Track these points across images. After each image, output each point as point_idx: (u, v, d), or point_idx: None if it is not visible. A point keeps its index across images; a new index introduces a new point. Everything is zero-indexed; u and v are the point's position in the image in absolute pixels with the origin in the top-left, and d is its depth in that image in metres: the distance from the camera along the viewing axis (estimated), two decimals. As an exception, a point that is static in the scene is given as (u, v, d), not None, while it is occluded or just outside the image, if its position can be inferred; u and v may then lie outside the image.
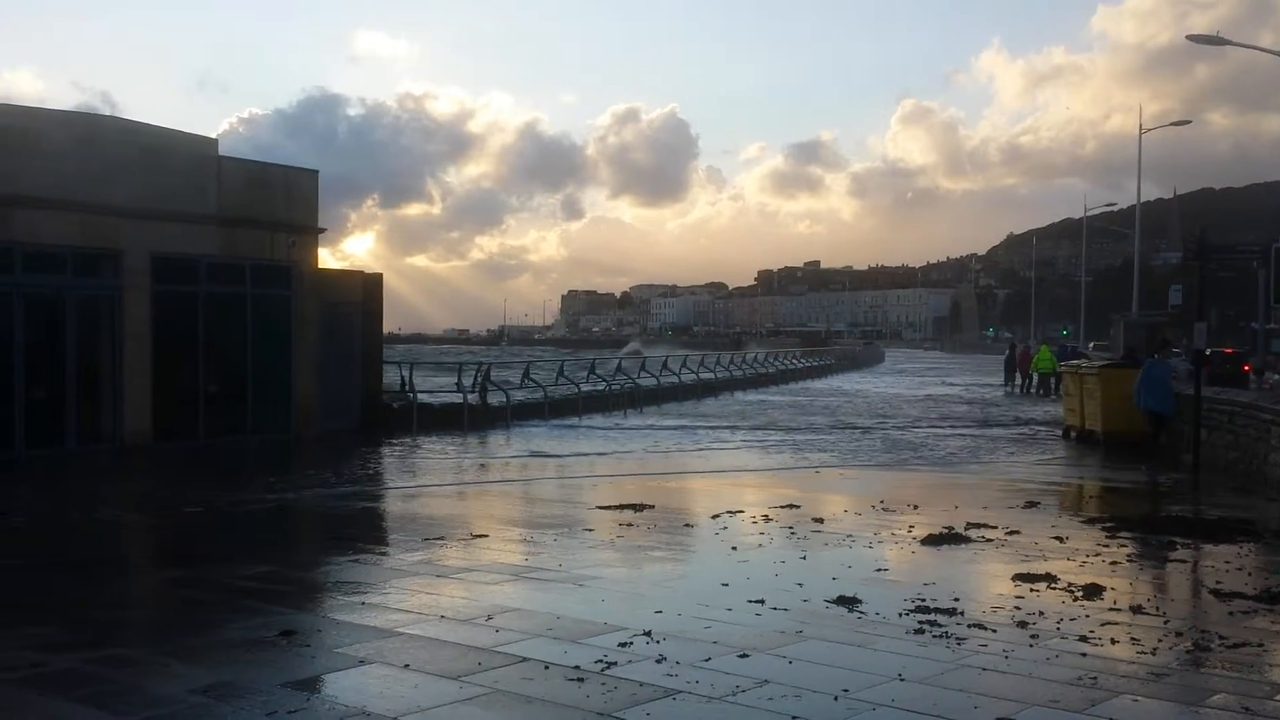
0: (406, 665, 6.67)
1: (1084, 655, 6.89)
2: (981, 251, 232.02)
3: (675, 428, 26.57)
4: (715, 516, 12.56)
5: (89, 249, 19.09)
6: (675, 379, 38.23)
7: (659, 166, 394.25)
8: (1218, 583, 9.11)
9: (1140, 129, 49.76)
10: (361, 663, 6.75)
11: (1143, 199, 53.46)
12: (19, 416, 17.99)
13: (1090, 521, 12.42)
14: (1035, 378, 41.02)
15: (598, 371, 34.40)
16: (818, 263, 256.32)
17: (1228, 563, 10.03)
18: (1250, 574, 9.57)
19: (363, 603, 8.37)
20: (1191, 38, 32.79)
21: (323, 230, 23.03)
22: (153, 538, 12.53)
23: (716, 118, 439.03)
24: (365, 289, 24.55)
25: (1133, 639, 7.30)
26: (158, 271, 19.84)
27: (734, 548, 10.68)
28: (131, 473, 17.62)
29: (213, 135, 22.33)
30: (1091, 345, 56.21)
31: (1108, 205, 74.76)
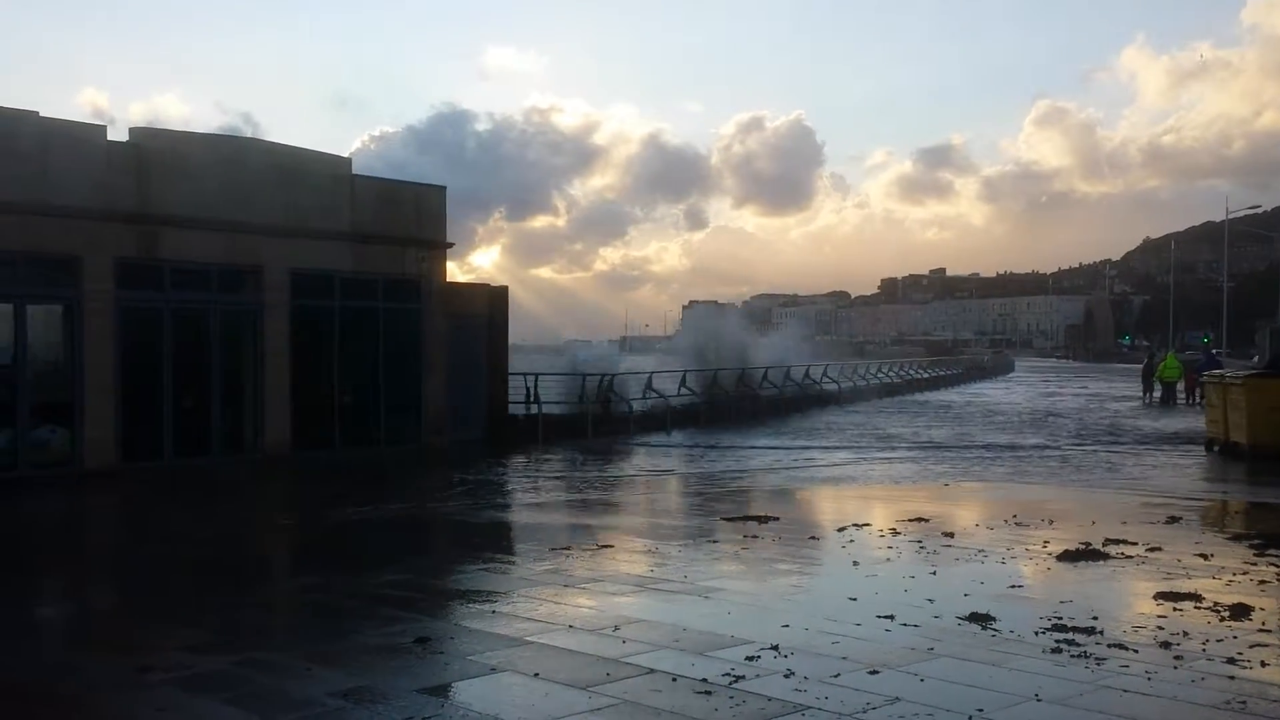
0: (536, 674, 6.76)
1: (1232, 678, 6.61)
2: (1116, 257, 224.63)
3: (792, 446, 26.35)
4: (841, 529, 12.41)
5: (232, 266, 19.87)
6: (798, 389, 37.93)
7: (783, 174, 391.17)
8: (1377, 604, 8.65)
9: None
10: (493, 670, 6.86)
11: (1291, 200, 51.03)
12: (168, 427, 18.81)
13: (1236, 538, 11.91)
14: (1160, 387, 39.51)
15: (720, 382, 34.33)
16: (943, 270, 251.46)
17: (1388, 583, 9.51)
18: None
19: (493, 611, 8.52)
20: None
21: (450, 245, 23.54)
22: (292, 545, 12.95)
23: (843, 124, 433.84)
24: (491, 301, 24.99)
25: (1285, 662, 6.98)
26: (295, 287, 20.52)
27: (861, 561, 10.55)
28: (272, 482, 18.24)
29: (349, 152, 23.05)
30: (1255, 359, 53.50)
31: (1252, 207, 71.82)
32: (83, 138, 18.14)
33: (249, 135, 25.52)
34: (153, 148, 19.06)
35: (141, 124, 31.10)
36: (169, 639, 7.74)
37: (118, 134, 19.20)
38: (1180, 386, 39.23)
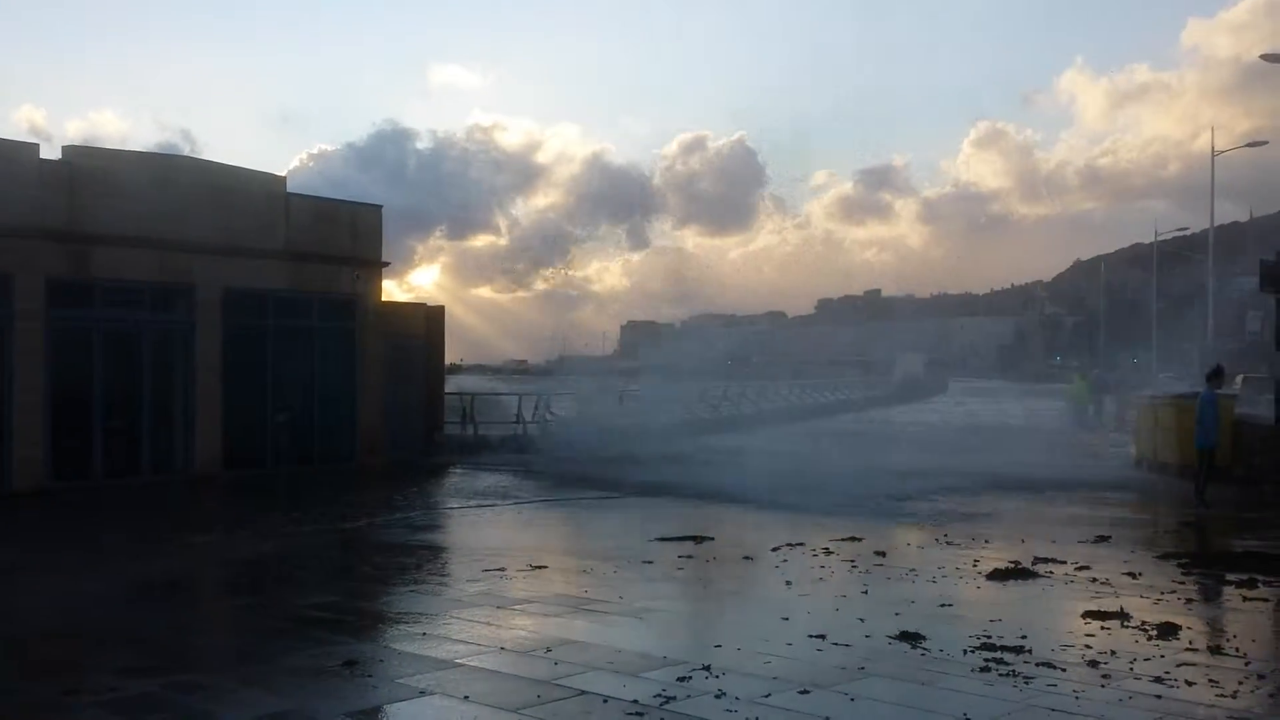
0: (466, 697, 6.68)
1: (1159, 697, 6.71)
2: (1048, 278, 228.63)
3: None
4: (775, 549, 12.45)
5: (164, 284, 19.58)
6: (735, 410, 38.11)
7: (725, 195, 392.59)
8: (1300, 622, 8.83)
9: (1213, 151, 48.92)
10: (422, 694, 6.78)
11: (1222, 221, 52.40)
12: (98, 446, 18.48)
13: (1164, 557, 12.10)
14: (1072, 407, 40.41)
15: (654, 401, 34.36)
16: (879, 290, 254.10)
17: (1310, 601, 9.70)
18: (1333, 613, 9.25)
19: (423, 633, 8.42)
20: (1266, 57, 32.20)
21: (386, 264, 23.38)
22: (222, 566, 12.71)
23: (785, 145, 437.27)
24: (427, 321, 24.84)
25: (1211, 680, 7.08)
26: (228, 306, 20.27)
27: (794, 581, 10.57)
28: (202, 502, 17.92)
29: (287, 170, 22.86)
30: (1161, 376, 54.80)
31: (1179, 230, 73.27)
32: (14, 156, 17.83)
33: (188, 152, 25.22)
34: (85, 166, 18.78)
35: (79, 141, 30.60)
36: (96, 662, 7.58)
37: (51, 151, 18.94)
38: (1089, 407, 40.28)
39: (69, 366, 18.26)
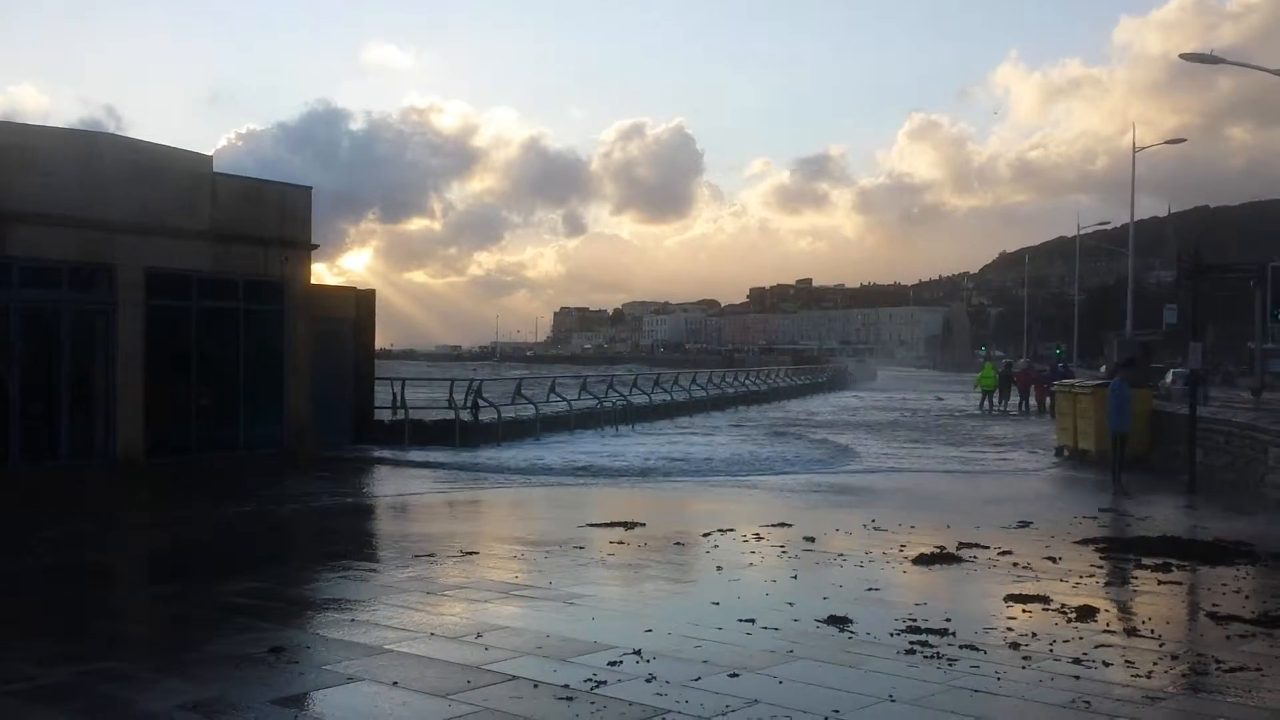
0: (395, 683, 6.64)
1: (1077, 678, 6.87)
2: (974, 270, 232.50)
3: (665, 445, 26.54)
4: (706, 535, 12.53)
5: (84, 264, 19.08)
6: (667, 396, 38.21)
7: (662, 182, 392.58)
8: (1214, 605, 9.07)
9: (1134, 147, 50.03)
10: (350, 680, 6.72)
11: (1142, 216, 53.69)
12: (14, 430, 17.96)
13: (1084, 542, 12.39)
14: (997, 395, 42.24)
15: (590, 389, 34.35)
16: (810, 280, 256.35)
17: (1224, 585, 9.98)
18: (1248, 597, 9.51)
19: (352, 619, 8.34)
20: (1185, 56, 32.86)
21: (316, 246, 23.02)
22: (143, 553, 12.48)
23: (723, 133, 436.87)
24: (358, 305, 24.54)
25: (1127, 662, 7.27)
26: (151, 286, 19.80)
27: (724, 566, 10.65)
28: (122, 488, 17.55)
29: (215, 150, 22.39)
30: (1103, 368, 55.95)
31: (1100, 224, 74.82)
32: (-76, 129, 17.21)
33: (113, 130, 24.61)
34: (2, 142, 18.22)
35: (-12, 113, 29.68)
36: (11, 651, 7.39)
37: (-37, 125, 18.31)
38: (995, 396, 42.18)
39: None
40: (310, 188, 23.38)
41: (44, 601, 9.34)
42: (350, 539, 13.15)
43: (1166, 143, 51.70)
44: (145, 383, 19.62)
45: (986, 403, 41.86)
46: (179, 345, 20.30)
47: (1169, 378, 36.01)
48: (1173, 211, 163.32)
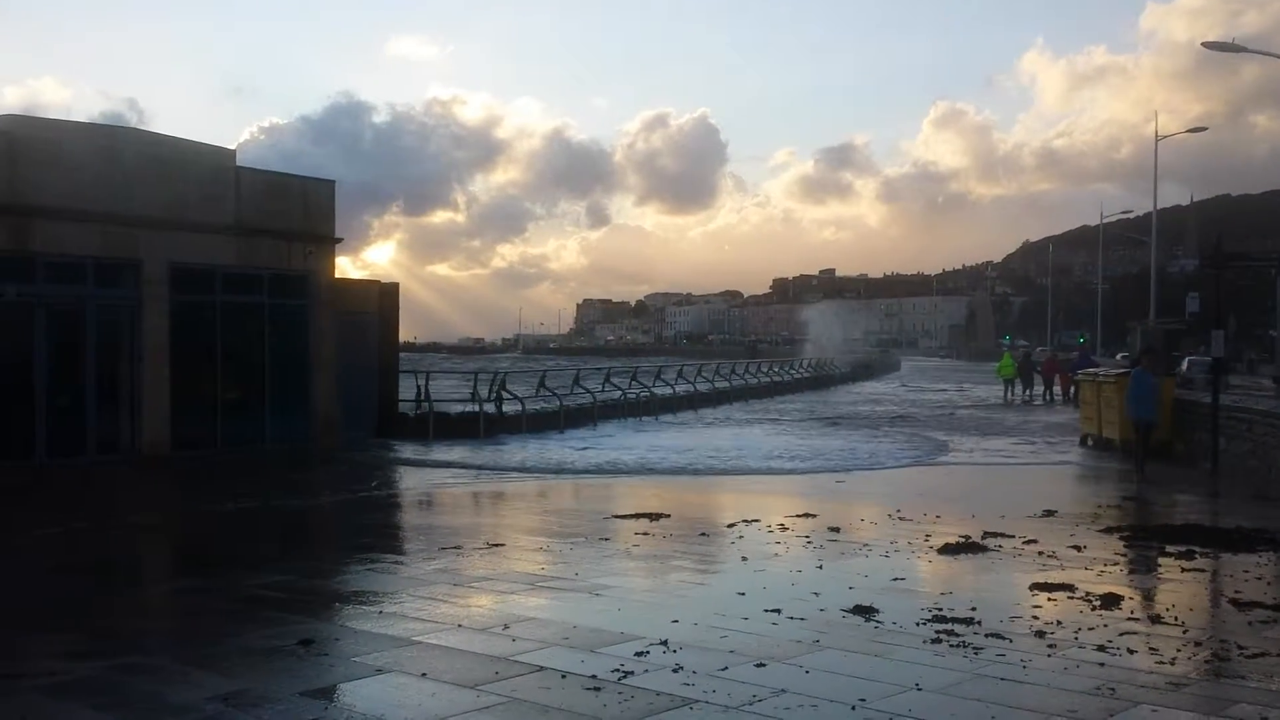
0: (424, 674, 6.69)
1: (1102, 665, 6.86)
2: (998, 259, 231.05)
3: (687, 437, 26.57)
4: (731, 525, 12.55)
5: (109, 259, 19.19)
6: (691, 387, 38.22)
7: (686, 173, 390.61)
8: (1237, 592, 9.06)
9: (1156, 135, 49.72)
10: (379, 672, 6.77)
11: (1165, 205, 53.37)
12: (41, 426, 18.11)
13: (1108, 530, 12.36)
14: (1020, 384, 42.25)
15: (613, 380, 34.40)
16: (833, 270, 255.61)
17: (1247, 572, 9.95)
18: (1270, 583, 9.51)
19: (380, 611, 8.40)
20: (1207, 45, 32.58)
21: (339, 240, 23.12)
22: (172, 547, 12.60)
23: (748, 123, 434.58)
24: (381, 298, 24.64)
25: (1151, 649, 7.26)
26: (176, 281, 19.93)
27: (750, 557, 10.68)
28: (149, 483, 17.69)
29: (238, 143, 22.53)
30: (1120, 356, 55.75)
31: (1124, 212, 74.72)
32: (-53, 125, 17.37)
33: (134, 123, 24.75)
34: (24, 136, 18.33)
35: (18, 109, 29.94)
36: (40, 645, 7.47)
37: (-14, 121, 18.44)
38: (1018, 384, 42.15)
39: (9, 343, 17.87)
40: (333, 181, 23.47)
41: (72, 596, 9.42)
42: (377, 531, 13.23)
43: (1188, 131, 51.23)
44: (171, 378, 19.74)
45: (1010, 392, 41.76)
46: (204, 340, 20.41)
47: (1184, 366, 35.89)
48: (1195, 200, 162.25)
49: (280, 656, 7.13)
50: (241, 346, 21.08)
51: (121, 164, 19.19)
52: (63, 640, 7.61)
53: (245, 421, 21.01)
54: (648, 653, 7.09)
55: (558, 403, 29.13)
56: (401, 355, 27.15)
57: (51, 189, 18.20)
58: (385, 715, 5.95)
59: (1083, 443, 23.68)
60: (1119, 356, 49.28)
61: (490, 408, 26.66)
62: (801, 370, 56.30)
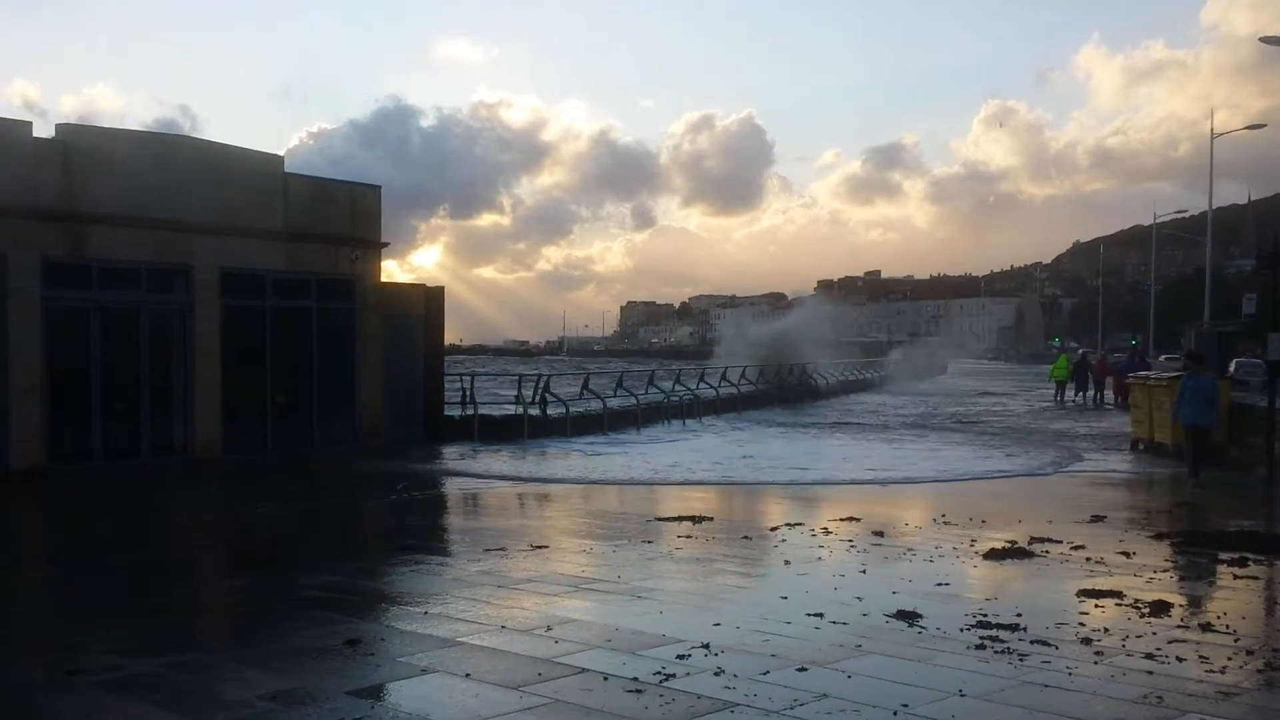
0: (468, 675, 6.76)
1: (1150, 673, 6.79)
2: (1047, 260, 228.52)
3: (733, 439, 26.53)
4: (774, 529, 12.54)
5: (162, 264, 19.55)
6: (734, 390, 38.14)
7: (733, 174, 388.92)
8: (1290, 600, 8.92)
9: (1212, 133, 48.96)
10: (424, 672, 6.85)
11: (1222, 203, 52.56)
12: (97, 428, 18.49)
13: (1158, 536, 12.20)
14: (1073, 387, 41.51)
15: (657, 383, 34.40)
16: (878, 272, 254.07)
17: (1301, 580, 9.79)
18: (1324, 591, 9.33)
19: (425, 612, 8.50)
20: (1265, 40, 32.03)
21: (386, 244, 23.38)
22: (223, 547, 12.80)
23: (794, 123, 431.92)
24: (427, 302, 24.85)
25: (1201, 657, 7.16)
26: (226, 286, 20.26)
27: (792, 560, 10.66)
28: (202, 484, 17.96)
29: (289, 147, 22.90)
30: (1163, 358, 54.94)
31: (1179, 212, 73.55)
32: (7, 134, 17.76)
33: (187, 128, 25.20)
34: (79, 144, 18.72)
35: (74, 117, 30.54)
36: (99, 641, 7.64)
37: (45, 129, 18.87)
38: (1071, 387, 41.45)
39: (65, 347, 18.24)
40: (379, 187, 23.74)
41: (128, 595, 9.61)
42: (422, 533, 13.35)
43: (1246, 128, 50.42)
44: (222, 381, 20.08)
45: (1060, 395, 41.26)
46: (254, 344, 20.72)
47: (1232, 367, 35.28)
48: (1253, 198, 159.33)
49: (328, 656, 7.24)
50: (290, 350, 21.37)
51: (173, 171, 19.54)
52: (121, 637, 7.78)
53: (294, 423, 21.30)
54: (689, 656, 7.11)
55: (601, 405, 29.21)
56: (447, 358, 27.34)
57: (106, 196, 18.58)
58: (430, 715, 6.03)
59: (1133, 447, 23.37)
60: (1162, 358, 48.43)
61: (534, 410, 26.79)
62: (845, 373, 55.91)
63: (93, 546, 12.06)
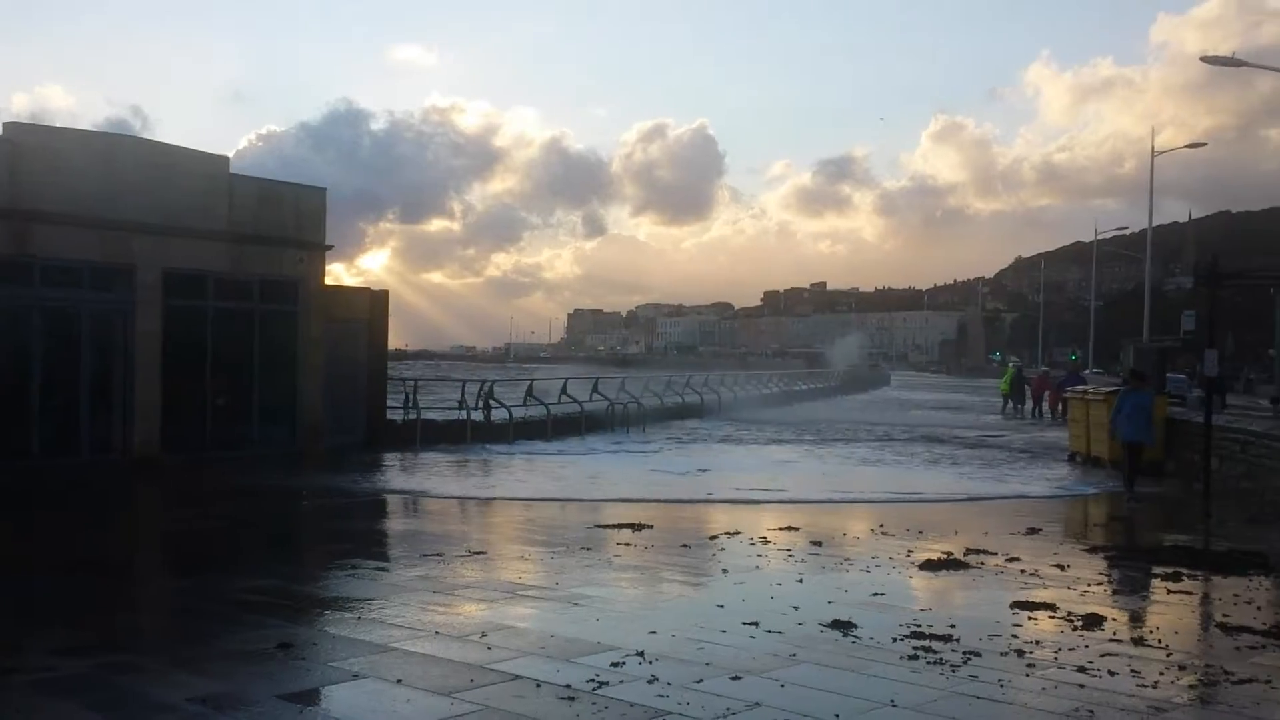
0: (399, 680, 6.70)
1: (1081, 686, 6.84)
2: (990, 274, 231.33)
3: (674, 448, 26.57)
4: (713, 538, 12.55)
5: (104, 264, 19.27)
6: (679, 399, 38.22)
7: (684, 184, 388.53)
8: (1225, 616, 8.95)
9: (1153, 150, 49.90)
10: (355, 677, 6.78)
11: (1164, 221, 53.54)
12: (35, 426, 18.19)
13: (1093, 550, 12.36)
14: (1003, 399, 43.29)
15: (601, 390, 34.32)
16: (824, 283, 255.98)
17: (1236, 595, 9.84)
18: (1260, 608, 9.35)
19: (359, 617, 8.41)
20: (1206, 60, 32.45)
21: (330, 247, 23.16)
22: (158, 549, 12.61)
23: (746, 134, 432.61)
24: (371, 305, 24.67)
25: (1133, 671, 7.21)
26: (169, 287, 20.00)
27: (729, 570, 10.68)
28: (140, 484, 17.69)
29: (238, 149, 22.64)
30: (1086, 371, 55.77)
31: (1119, 229, 74.67)
32: (-46, 134, 17.42)
33: (137, 129, 24.88)
34: (26, 143, 18.45)
35: (25, 116, 29.99)
36: (29, 642, 7.52)
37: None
38: (1013, 401, 42.82)
39: (6, 345, 17.95)
40: (324, 189, 23.54)
41: (61, 595, 9.44)
42: (360, 538, 13.22)
43: (1186, 146, 51.24)
44: (163, 381, 19.81)
45: (1009, 407, 42.29)
46: (195, 345, 20.47)
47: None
48: (1194, 217, 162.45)
49: (259, 659, 7.15)
50: (232, 352, 21.11)
51: (118, 171, 19.27)
52: (53, 637, 7.68)
53: (234, 425, 21.04)
54: (623, 663, 7.10)
55: (545, 411, 29.12)
56: (391, 363, 27.13)
57: (51, 195, 18.31)
58: (360, 722, 5.96)
59: (1071, 460, 23.71)
60: (1086, 372, 49.54)
61: (478, 415, 26.65)
62: (799, 383, 56.24)
63: (31, 547, 11.82)
